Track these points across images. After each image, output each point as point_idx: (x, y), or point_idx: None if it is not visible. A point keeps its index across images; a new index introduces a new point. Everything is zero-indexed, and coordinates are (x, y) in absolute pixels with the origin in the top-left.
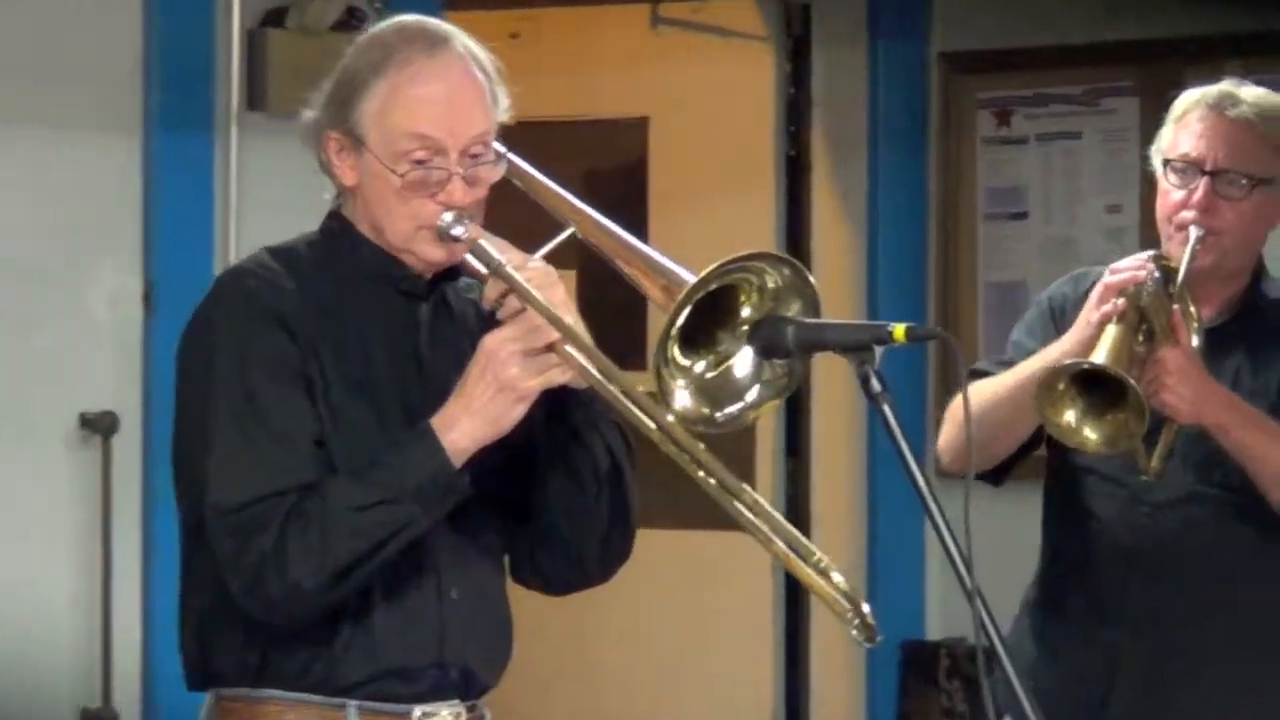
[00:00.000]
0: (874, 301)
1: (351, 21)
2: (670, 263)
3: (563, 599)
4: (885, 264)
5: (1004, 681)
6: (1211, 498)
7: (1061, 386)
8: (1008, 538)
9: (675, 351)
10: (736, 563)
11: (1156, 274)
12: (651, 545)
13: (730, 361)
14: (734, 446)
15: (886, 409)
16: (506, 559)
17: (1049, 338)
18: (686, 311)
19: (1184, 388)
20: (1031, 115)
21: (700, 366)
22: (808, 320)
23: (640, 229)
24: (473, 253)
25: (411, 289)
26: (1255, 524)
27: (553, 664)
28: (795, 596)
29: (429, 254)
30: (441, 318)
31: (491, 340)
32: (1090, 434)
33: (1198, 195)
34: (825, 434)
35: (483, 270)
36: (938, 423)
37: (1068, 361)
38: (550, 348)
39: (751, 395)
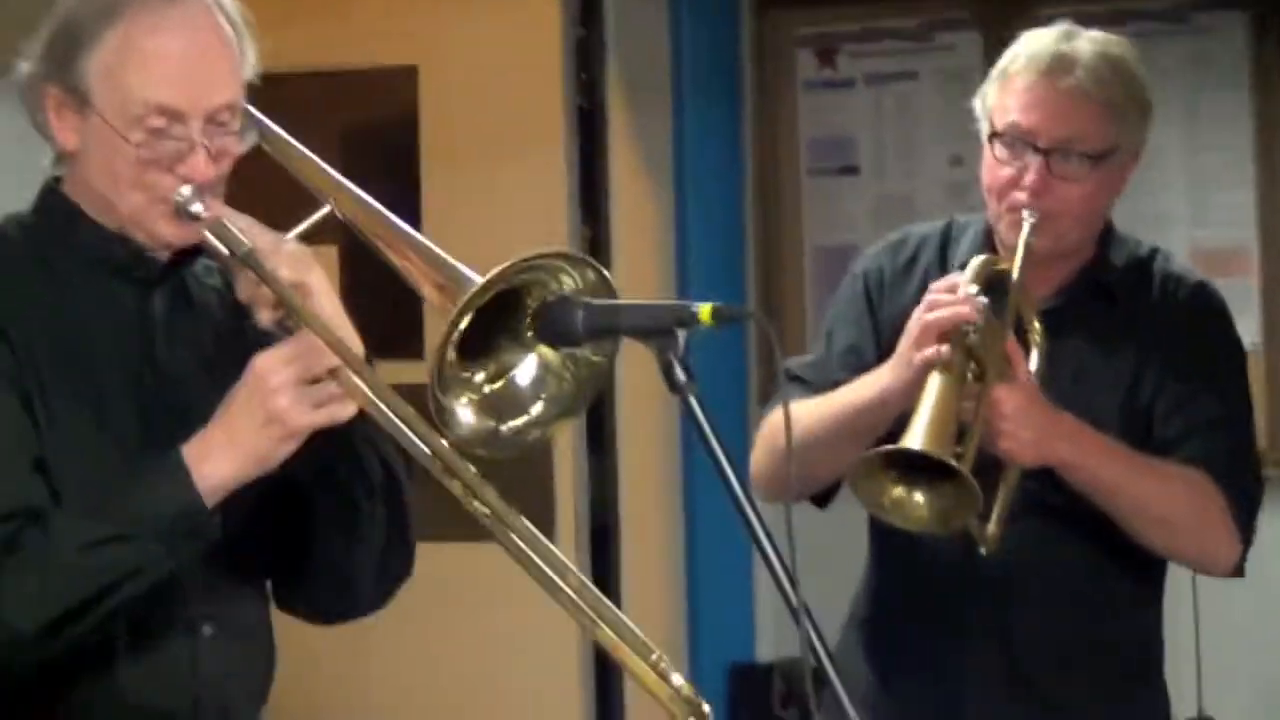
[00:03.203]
0: (684, 274)
1: None
2: (447, 257)
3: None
4: (696, 230)
5: (836, 707)
6: (1057, 508)
7: (877, 469)
8: (839, 543)
9: (452, 360)
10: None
11: (983, 301)
12: (437, 560)
13: (513, 372)
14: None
15: (694, 402)
16: (269, 584)
17: (866, 323)
18: (467, 318)
19: (1024, 430)
20: (859, 54)
21: (480, 377)
22: (599, 302)
23: (411, 193)
24: (215, 233)
25: (144, 276)
26: (1105, 535)
27: (331, 696)
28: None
29: (162, 233)
30: (179, 309)
31: (262, 362)
32: (920, 513)
33: (1030, 177)
34: (633, 429)
35: (224, 252)
36: (760, 417)
37: (880, 450)
38: (332, 374)
39: (536, 409)
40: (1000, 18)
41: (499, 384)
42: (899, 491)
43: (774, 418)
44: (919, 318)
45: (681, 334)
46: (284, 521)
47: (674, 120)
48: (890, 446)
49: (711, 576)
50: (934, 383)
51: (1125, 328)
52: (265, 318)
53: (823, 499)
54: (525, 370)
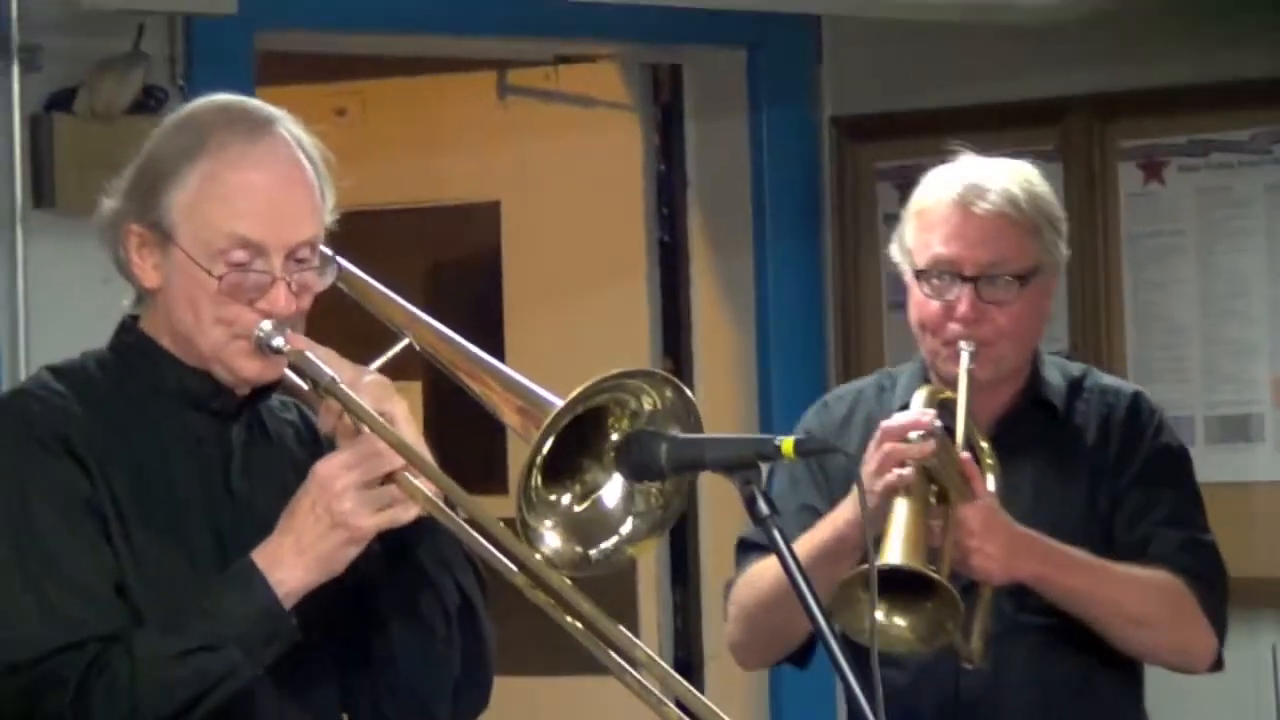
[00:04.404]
0: (767, 407)
1: (150, 103)
2: (526, 381)
3: None
4: (778, 362)
5: None
6: (1036, 628)
7: (858, 593)
8: None
9: (538, 484)
10: (617, 710)
11: (938, 423)
12: (517, 693)
13: (599, 492)
14: (611, 575)
15: (777, 534)
16: (345, 716)
17: (814, 480)
18: (551, 440)
19: (991, 546)
20: None
21: (566, 499)
22: (682, 436)
23: (495, 328)
24: (295, 367)
25: (222, 409)
26: (1085, 651)
27: None
28: None
29: (243, 368)
30: (256, 441)
31: (324, 467)
32: (903, 634)
33: (962, 307)
34: (716, 559)
35: (304, 387)
36: None
37: (858, 570)
38: (392, 478)
39: (626, 529)
40: (1082, 148)
41: (585, 505)
42: (879, 616)
43: (738, 586)
44: (878, 450)
45: (764, 467)
46: (361, 649)
47: (755, 252)
48: (864, 567)
49: (797, 711)
50: (899, 507)
51: (1073, 443)
52: None
53: (801, 658)
54: (611, 490)
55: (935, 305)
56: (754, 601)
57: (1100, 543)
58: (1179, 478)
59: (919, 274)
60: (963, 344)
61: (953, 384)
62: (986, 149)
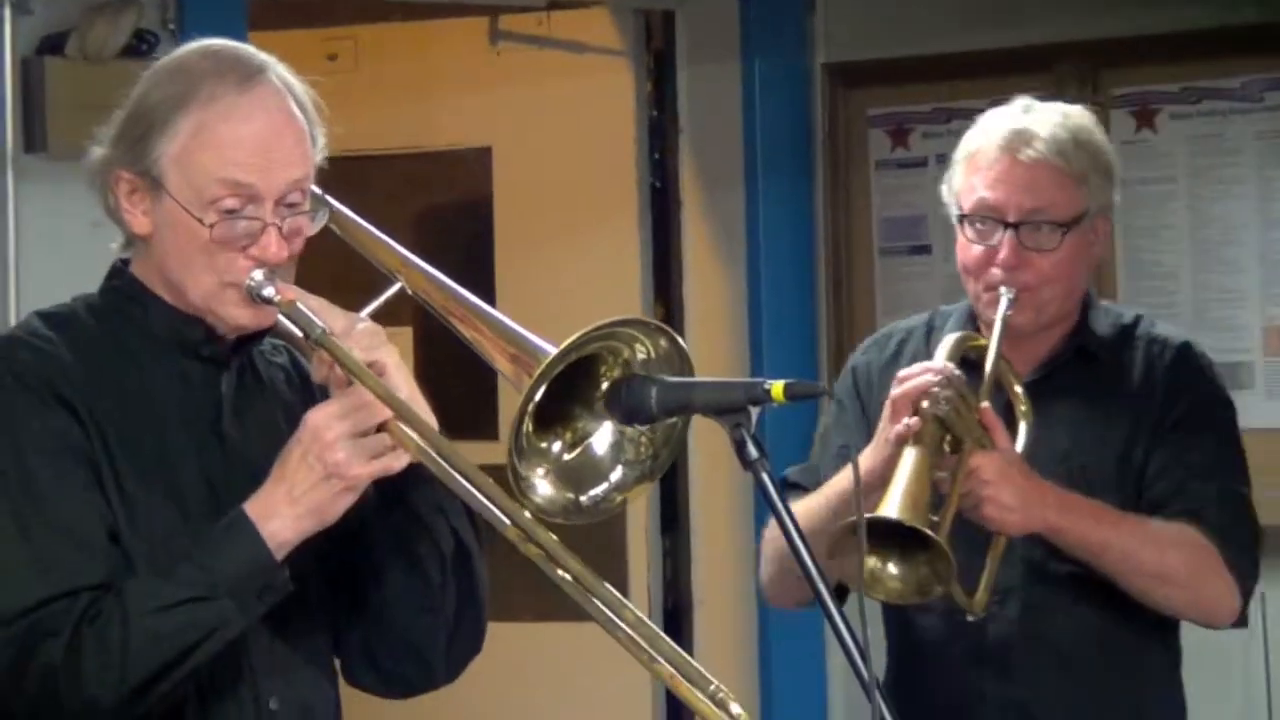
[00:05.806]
0: (757, 352)
1: (141, 47)
2: (519, 327)
3: (406, 701)
4: (769, 309)
5: None
6: (1067, 576)
7: (850, 541)
8: None
9: (529, 430)
10: (608, 657)
11: (954, 372)
12: (510, 639)
13: (590, 440)
14: (600, 523)
15: (765, 477)
16: (338, 662)
17: (857, 419)
18: (543, 388)
19: (1007, 496)
20: (932, 133)
21: (557, 447)
22: (672, 379)
23: (486, 273)
24: (288, 316)
25: (212, 354)
26: (1116, 602)
27: None
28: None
29: (234, 316)
30: (247, 386)
31: (316, 417)
32: (895, 584)
33: (1003, 253)
34: (705, 506)
35: (296, 333)
36: None
37: (848, 522)
38: (384, 428)
39: (616, 476)
40: (1075, 95)
41: (576, 453)
42: (872, 563)
43: (770, 526)
44: (890, 397)
45: (754, 411)
46: (355, 595)
47: (746, 198)
48: (852, 519)
49: (784, 653)
50: (907, 456)
51: (1114, 392)
52: None
53: (838, 597)
54: (601, 438)
55: (978, 250)
56: (781, 544)
57: (1132, 493)
58: (1218, 427)
59: (963, 218)
60: (1003, 289)
61: (992, 329)
62: (979, 96)
